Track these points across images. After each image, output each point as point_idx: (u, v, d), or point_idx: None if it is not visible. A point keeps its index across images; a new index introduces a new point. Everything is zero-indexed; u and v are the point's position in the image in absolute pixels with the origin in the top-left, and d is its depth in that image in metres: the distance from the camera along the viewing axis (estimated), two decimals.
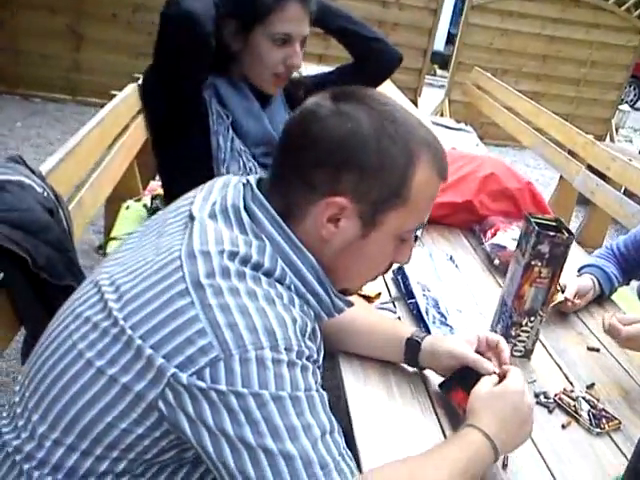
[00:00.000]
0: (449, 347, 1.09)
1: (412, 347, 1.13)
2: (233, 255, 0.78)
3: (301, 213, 0.83)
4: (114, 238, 2.00)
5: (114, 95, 2.27)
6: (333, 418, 0.77)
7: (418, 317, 1.35)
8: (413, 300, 1.40)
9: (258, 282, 0.78)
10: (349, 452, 0.77)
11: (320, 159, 0.81)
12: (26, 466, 0.81)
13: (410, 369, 1.17)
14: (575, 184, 3.19)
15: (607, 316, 1.30)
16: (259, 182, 0.89)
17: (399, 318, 1.35)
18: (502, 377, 0.99)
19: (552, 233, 1.23)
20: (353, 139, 0.80)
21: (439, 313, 1.37)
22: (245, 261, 0.78)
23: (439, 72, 9.24)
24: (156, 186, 2.34)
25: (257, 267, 0.79)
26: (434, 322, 1.33)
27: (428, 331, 1.28)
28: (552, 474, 1.00)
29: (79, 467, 0.80)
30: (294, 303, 0.80)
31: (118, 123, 2.16)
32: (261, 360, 0.72)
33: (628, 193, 2.95)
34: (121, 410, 0.77)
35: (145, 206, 2.19)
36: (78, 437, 0.79)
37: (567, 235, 1.24)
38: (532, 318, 1.28)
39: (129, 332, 0.76)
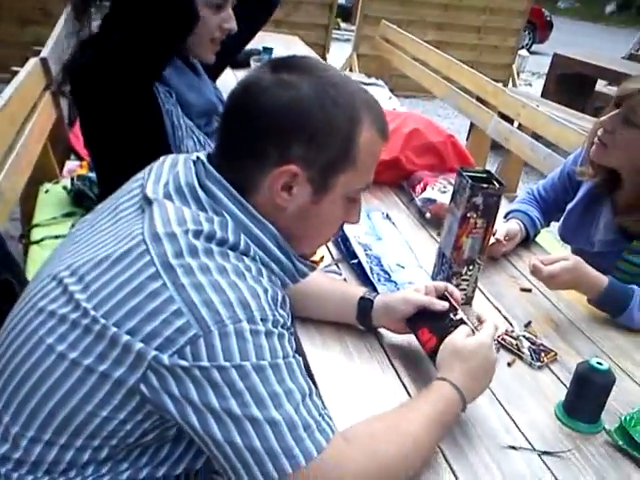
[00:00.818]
0: (402, 295, 1.16)
1: (364, 307, 1.19)
2: (198, 233, 0.79)
3: (255, 185, 0.85)
4: (37, 225, 1.93)
5: (16, 72, 2.15)
6: (310, 381, 0.81)
7: (363, 276, 1.40)
8: (356, 260, 1.45)
9: (226, 257, 0.80)
10: (327, 412, 0.82)
11: (267, 130, 0.83)
12: (2, 469, 0.80)
13: (363, 329, 1.23)
14: (489, 131, 3.33)
15: (533, 258, 1.40)
16: (209, 158, 0.90)
17: (345, 280, 1.40)
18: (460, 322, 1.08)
19: (484, 185, 1.30)
20: (297, 106, 0.82)
21: (383, 270, 1.43)
22: (210, 238, 0.80)
23: (343, 25, 9.23)
24: (75, 167, 2.25)
25: (222, 243, 0.81)
26: (379, 280, 1.39)
27: (375, 290, 1.34)
28: (504, 408, 1.10)
29: (60, 461, 0.80)
30: (262, 274, 0.83)
31: (25, 103, 2.06)
32: (240, 333, 0.75)
33: (536, 137, 3.11)
34: (101, 398, 0.78)
35: (65, 188, 2.11)
36: (56, 432, 0.79)
37: (498, 186, 1.32)
38: (471, 267, 1.37)
39: (102, 321, 0.77)
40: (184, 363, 0.74)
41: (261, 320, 0.76)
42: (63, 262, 0.85)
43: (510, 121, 3.24)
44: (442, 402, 0.94)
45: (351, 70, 5.47)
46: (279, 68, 0.85)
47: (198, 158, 0.89)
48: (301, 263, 0.91)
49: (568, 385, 1.15)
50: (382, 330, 1.23)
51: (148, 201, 0.85)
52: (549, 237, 2.25)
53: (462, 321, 1.09)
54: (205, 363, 0.74)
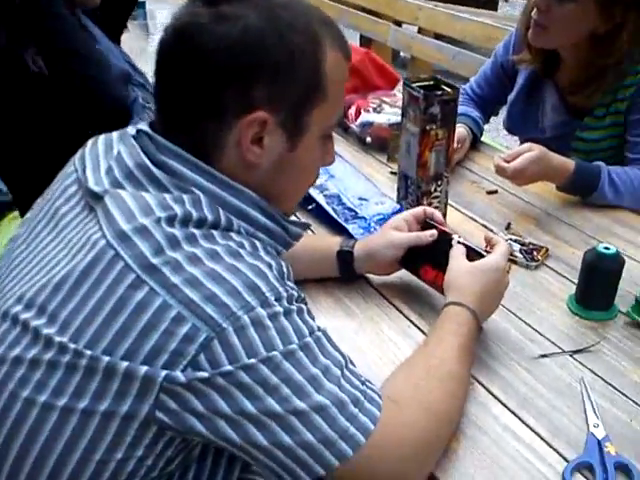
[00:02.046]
0: (385, 239, 1.08)
1: (344, 258, 1.10)
2: (171, 219, 0.67)
3: (218, 145, 0.73)
4: None
5: None
6: (341, 349, 0.73)
7: (327, 220, 1.31)
8: (313, 205, 1.36)
9: (212, 239, 0.68)
10: (365, 377, 0.74)
11: (219, 76, 0.71)
12: None
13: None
14: (389, 43, 3.25)
15: (495, 157, 1.35)
16: (152, 128, 0.76)
17: (312, 232, 1.30)
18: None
19: (439, 92, 1.23)
20: (250, 40, 0.70)
21: (347, 209, 1.34)
22: (186, 221, 0.68)
23: None
24: None
25: (201, 223, 0.69)
26: (346, 220, 1.31)
27: (346, 232, 1.26)
28: (519, 317, 1.06)
29: None
30: (257, 247, 0.72)
31: None
32: (257, 321, 0.65)
33: (439, 39, 3.06)
34: (110, 442, 0.66)
35: None
36: None
37: (452, 89, 1.24)
38: (439, 182, 1.30)
39: (87, 352, 0.64)
40: (203, 374, 0.63)
41: (276, 300, 0.67)
42: (9, 295, 0.71)
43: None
44: (464, 327, 0.89)
45: None
46: (214, 1, 0.71)
47: (139, 131, 0.76)
48: (291, 224, 0.80)
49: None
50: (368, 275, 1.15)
51: (95, 196, 0.71)
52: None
53: (459, 243, 1.03)
54: (228, 367, 0.63)
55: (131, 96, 1.37)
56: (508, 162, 1.31)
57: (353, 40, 5.09)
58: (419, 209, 1.11)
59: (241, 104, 0.71)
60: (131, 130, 0.77)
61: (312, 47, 0.73)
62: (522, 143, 1.71)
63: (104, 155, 0.76)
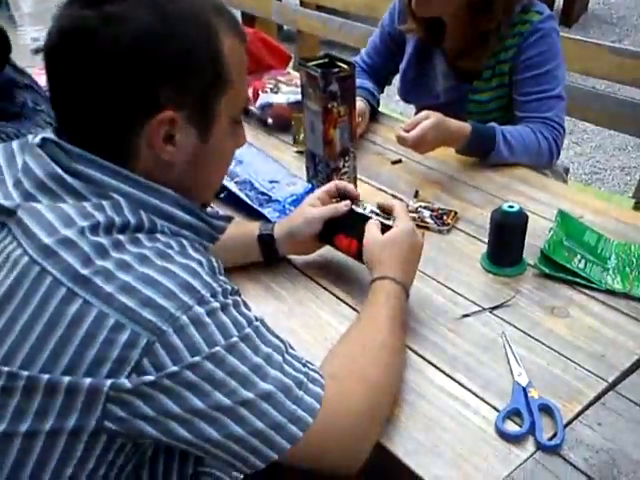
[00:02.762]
0: (302, 217, 1.11)
1: (266, 242, 1.12)
2: (94, 228, 0.66)
3: (130, 149, 0.72)
4: None
5: None
6: (279, 335, 0.75)
7: (241, 207, 1.31)
8: (225, 193, 1.35)
9: (139, 243, 0.68)
10: (305, 359, 0.77)
11: (119, 81, 0.69)
12: None
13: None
14: (273, 18, 3.24)
15: (396, 129, 1.40)
16: (58, 136, 0.74)
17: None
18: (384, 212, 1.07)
19: (335, 70, 1.25)
20: (144, 40, 0.68)
21: (260, 193, 1.35)
22: (109, 228, 0.67)
23: None
24: None
25: (125, 228, 0.68)
26: (261, 204, 1.32)
27: (263, 217, 1.27)
28: (439, 282, 1.12)
29: None
30: (184, 246, 0.72)
31: None
32: (196, 319, 0.65)
33: (323, 11, 3.08)
34: (58, 459, 0.65)
35: None
36: None
37: (348, 66, 1.26)
38: (346, 158, 1.33)
39: (23, 374, 0.62)
40: (148, 378, 0.63)
41: (212, 297, 0.68)
42: None
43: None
44: (392, 299, 0.93)
45: None
46: (93, 1, 0.69)
47: (45, 140, 0.73)
48: (214, 218, 0.81)
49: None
50: (290, 256, 1.18)
51: (6, 211, 0.68)
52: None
53: (372, 212, 1.07)
54: (172, 368, 0.64)
55: (18, 102, 1.29)
56: (408, 132, 1.36)
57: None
58: (331, 184, 1.14)
59: (146, 106, 0.70)
60: (34, 139, 0.74)
61: (207, 37, 0.72)
62: (418, 110, 1.77)
63: (7, 167, 0.73)
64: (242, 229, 1.16)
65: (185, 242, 0.73)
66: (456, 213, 1.29)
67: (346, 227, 1.08)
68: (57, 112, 0.75)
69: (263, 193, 1.34)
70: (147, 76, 0.69)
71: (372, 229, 1.02)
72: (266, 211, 1.29)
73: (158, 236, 0.70)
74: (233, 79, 0.75)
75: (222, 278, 0.72)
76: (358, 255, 1.05)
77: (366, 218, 1.06)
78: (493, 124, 1.46)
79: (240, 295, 0.74)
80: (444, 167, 1.48)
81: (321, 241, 1.12)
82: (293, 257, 1.17)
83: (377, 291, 0.94)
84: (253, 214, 1.28)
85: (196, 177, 0.78)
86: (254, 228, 1.13)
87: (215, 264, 0.73)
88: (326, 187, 1.14)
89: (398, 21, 1.66)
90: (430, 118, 1.37)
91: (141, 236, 0.69)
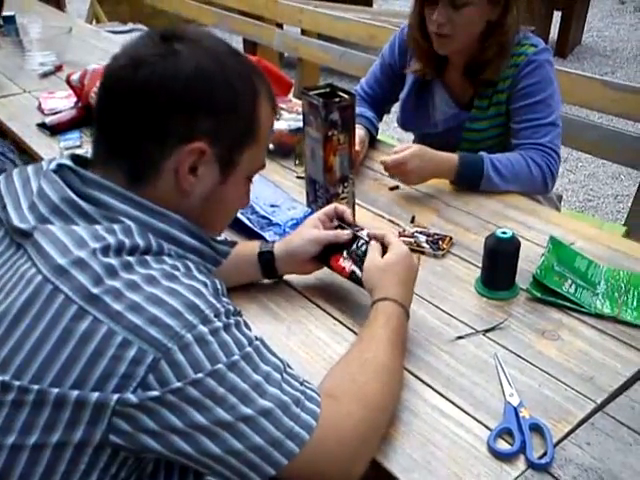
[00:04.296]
0: (305, 238, 1.14)
1: (266, 261, 1.16)
2: (106, 250, 0.69)
3: (156, 170, 0.77)
4: None
5: None
6: (278, 354, 0.78)
7: (243, 231, 1.35)
8: None
9: (147, 265, 0.71)
10: (303, 377, 0.79)
11: (169, 105, 0.75)
12: None
13: (267, 281, 1.20)
14: (275, 46, 3.30)
15: (382, 157, 1.47)
16: (78, 161, 0.78)
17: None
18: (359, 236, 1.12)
19: (337, 99, 1.29)
20: (201, 77, 0.75)
21: (260, 217, 1.38)
22: (120, 250, 0.71)
23: None
24: None
25: (134, 250, 0.72)
26: (262, 228, 1.35)
27: (264, 239, 1.30)
28: (434, 305, 1.15)
29: None
30: (190, 268, 0.76)
31: None
32: (200, 338, 0.68)
33: (324, 39, 3.15)
34: (64, 471, 0.67)
35: None
36: None
37: (348, 96, 1.31)
38: (345, 184, 1.37)
39: (34, 387, 0.65)
40: (154, 393, 0.66)
41: (215, 316, 0.71)
42: None
43: None
44: (393, 320, 0.96)
45: (98, 21, 5.05)
46: (169, 38, 0.77)
47: (61, 165, 0.77)
48: (219, 243, 0.85)
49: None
50: (287, 277, 1.21)
51: (22, 233, 0.72)
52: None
53: (370, 237, 1.11)
54: (177, 384, 0.66)
55: None
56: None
57: (237, 44, 5.11)
58: (330, 207, 1.19)
59: (184, 133, 0.76)
60: (50, 165, 0.78)
61: (251, 93, 0.80)
62: (416, 138, 1.83)
63: (22, 191, 0.77)
64: (243, 247, 1.19)
65: (191, 265, 0.77)
66: (451, 238, 1.32)
67: (343, 250, 1.13)
68: (98, 127, 0.79)
69: (264, 217, 1.38)
70: (194, 106, 0.76)
71: (373, 253, 1.06)
72: (267, 234, 1.32)
73: (165, 258, 0.74)
74: (260, 139, 0.82)
75: (225, 299, 0.75)
76: (352, 275, 1.10)
77: (363, 242, 1.11)
78: (481, 153, 1.51)
79: (241, 315, 0.77)
80: (440, 194, 1.52)
81: (315, 260, 1.16)
82: (291, 278, 1.21)
83: (378, 312, 0.97)
84: (254, 237, 1.32)
85: (204, 214, 0.82)
86: (255, 246, 1.17)
87: (219, 286, 0.77)
88: (326, 209, 1.19)
89: (399, 59, 1.72)
90: (412, 146, 1.45)
91: (149, 258, 0.72)
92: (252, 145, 0.81)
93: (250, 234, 1.33)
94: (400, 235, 1.33)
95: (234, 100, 0.78)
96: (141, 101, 0.75)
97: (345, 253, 1.12)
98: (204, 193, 0.80)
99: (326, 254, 1.14)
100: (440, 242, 1.31)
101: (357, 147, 1.57)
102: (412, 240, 1.31)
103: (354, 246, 1.12)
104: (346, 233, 1.13)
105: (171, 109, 0.74)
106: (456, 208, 1.47)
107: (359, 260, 1.09)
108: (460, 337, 1.06)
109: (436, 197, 1.51)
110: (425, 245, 1.30)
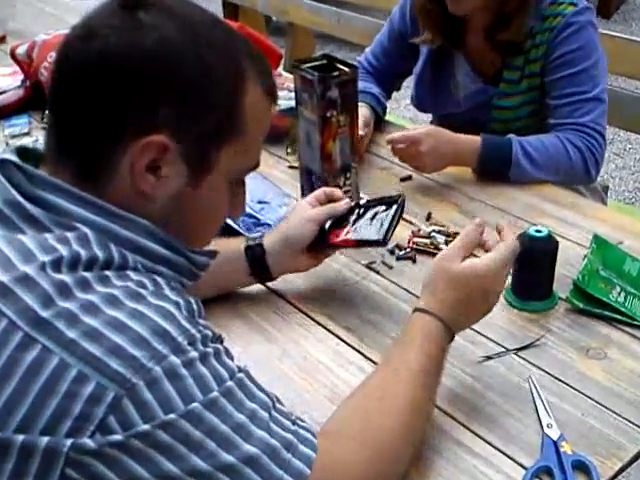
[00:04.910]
0: (298, 219, 1.17)
1: (255, 255, 1.17)
2: (57, 263, 0.69)
3: (109, 170, 0.75)
4: None
5: None
6: (266, 389, 0.77)
7: (227, 232, 1.34)
8: None
9: (108, 282, 0.71)
10: (295, 415, 0.79)
11: (124, 88, 0.73)
12: None
13: (261, 293, 1.20)
14: (260, 8, 3.31)
15: (388, 137, 1.50)
16: (27, 155, 0.78)
17: None
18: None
19: (335, 73, 1.30)
20: (164, 52, 0.73)
21: (246, 216, 1.39)
22: (75, 264, 0.70)
23: None
24: None
25: (92, 264, 0.71)
26: (249, 229, 1.36)
27: None
28: None
29: None
30: (160, 284, 0.75)
31: None
32: (171, 371, 0.68)
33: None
34: None
35: None
36: None
37: (350, 69, 1.31)
38: (347, 174, 1.38)
39: None
40: (115, 438, 0.65)
41: (189, 345, 0.70)
42: None
43: None
44: (432, 345, 0.93)
45: None
46: (132, 5, 0.75)
47: (3, 161, 0.76)
48: (196, 253, 0.84)
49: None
50: (279, 285, 1.22)
51: None
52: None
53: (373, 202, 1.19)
54: (143, 427, 0.66)
55: None
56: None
57: (215, 9, 5.11)
58: (319, 191, 1.22)
59: (142, 123, 0.74)
60: None
61: (233, 74, 0.77)
62: (435, 120, 1.84)
63: None
64: (224, 243, 1.17)
65: (160, 280, 0.76)
66: None
67: (340, 222, 1.18)
68: (52, 115, 0.79)
69: (250, 215, 1.38)
70: (154, 90, 0.74)
71: (454, 248, 0.99)
72: (255, 235, 1.32)
73: (129, 273, 0.73)
74: (244, 133, 0.79)
75: (202, 322, 0.75)
76: (359, 244, 1.15)
77: (369, 204, 1.19)
78: (509, 135, 1.51)
79: (222, 342, 0.77)
80: (461, 185, 1.53)
81: (313, 249, 1.17)
82: (285, 288, 1.22)
83: (414, 328, 0.94)
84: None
85: (176, 222, 0.81)
86: (239, 241, 1.18)
87: (195, 306, 0.76)
88: (315, 193, 1.22)
89: (411, 25, 1.72)
90: (425, 127, 1.49)
91: (110, 274, 0.71)
92: (234, 141, 0.79)
93: (235, 236, 1.33)
94: (414, 235, 1.33)
95: (207, 81, 0.75)
96: (91, 81, 0.73)
97: (345, 226, 1.17)
98: (171, 198, 0.78)
99: (323, 236, 1.17)
100: None
101: (361, 131, 1.57)
102: (428, 241, 1.31)
103: (354, 216, 1.17)
104: (344, 202, 1.18)
105: (126, 92, 0.73)
106: (481, 202, 1.47)
107: (367, 225, 1.15)
108: (487, 357, 1.07)
109: (457, 189, 1.52)
110: (444, 247, 1.29)
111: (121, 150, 0.74)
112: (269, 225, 1.36)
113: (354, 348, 1.10)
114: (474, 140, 1.49)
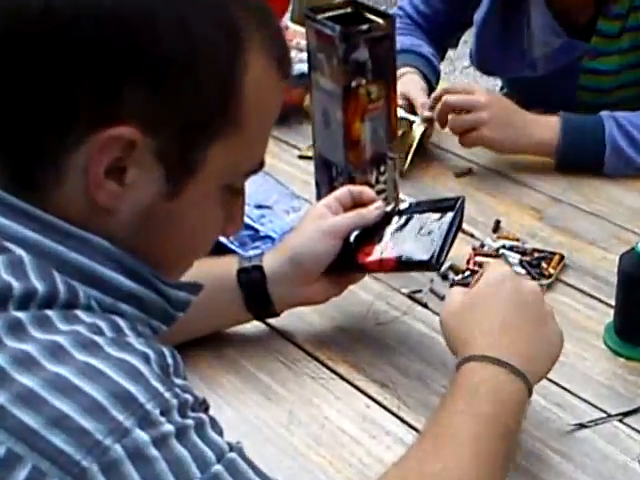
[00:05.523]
0: (313, 231, 1.17)
1: (251, 280, 1.17)
2: None
3: (53, 173, 0.75)
4: None
5: None
6: (265, 473, 0.76)
7: (217, 248, 1.34)
8: None
9: (49, 326, 0.70)
10: None
11: (74, 60, 0.72)
12: None
13: (260, 334, 1.20)
14: None
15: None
16: None
17: None
18: None
19: (364, 26, 1.29)
20: (129, 14, 0.73)
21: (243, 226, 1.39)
22: (4, 300, 0.70)
23: None
24: None
25: (28, 300, 0.71)
26: (243, 245, 1.35)
27: None
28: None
29: None
30: (121, 329, 0.75)
31: None
32: (137, 452, 0.67)
33: None
34: None
35: None
36: None
37: (384, 19, 1.31)
38: (382, 167, 1.37)
39: None
40: None
41: (162, 414, 0.69)
42: None
43: None
44: (483, 401, 0.93)
45: None
46: None
47: None
48: (173, 286, 0.84)
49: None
50: (285, 322, 1.21)
51: None
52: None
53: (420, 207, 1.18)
54: None
55: None
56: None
57: None
58: (342, 190, 1.21)
59: (101, 110, 0.73)
60: None
61: (226, 43, 0.76)
62: (504, 85, 1.84)
63: None
64: (209, 264, 1.17)
65: (123, 323, 0.75)
66: (562, 257, 1.31)
67: (373, 233, 1.17)
68: None
69: (247, 226, 1.37)
70: (115, 65, 0.72)
71: (452, 294, 1.05)
72: (251, 254, 1.32)
73: (80, 314, 0.73)
74: (243, 124, 0.78)
75: (180, 382, 0.74)
76: (399, 265, 1.13)
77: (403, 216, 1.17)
78: (603, 112, 1.51)
79: (208, 409, 0.76)
80: (540, 180, 1.52)
81: (333, 273, 1.17)
82: (292, 326, 1.21)
83: (458, 384, 0.95)
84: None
85: (152, 243, 0.81)
86: (230, 262, 1.18)
87: (170, 360, 0.76)
88: (337, 193, 1.21)
89: None
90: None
91: (53, 314, 0.71)
92: (229, 135, 0.78)
93: (224, 254, 1.33)
94: (476, 253, 1.33)
95: (191, 57, 0.74)
96: (28, 48, 0.73)
97: (372, 236, 1.16)
98: (139, 213, 0.78)
99: (348, 254, 1.16)
100: (544, 264, 1.30)
101: (425, 111, 1.57)
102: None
103: (392, 226, 1.16)
104: (375, 206, 1.17)
105: (75, 66, 0.72)
106: (570, 205, 1.46)
107: (410, 240, 1.13)
108: (581, 425, 1.05)
109: (535, 187, 1.51)
110: (519, 269, 1.29)
111: (71, 147, 0.74)
112: (271, 239, 1.36)
113: (390, 411, 1.08)
114: (550, 118, 1.50)
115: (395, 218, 1.18)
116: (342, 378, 1.14)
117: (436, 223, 1.14)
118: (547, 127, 1.49)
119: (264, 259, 1.17)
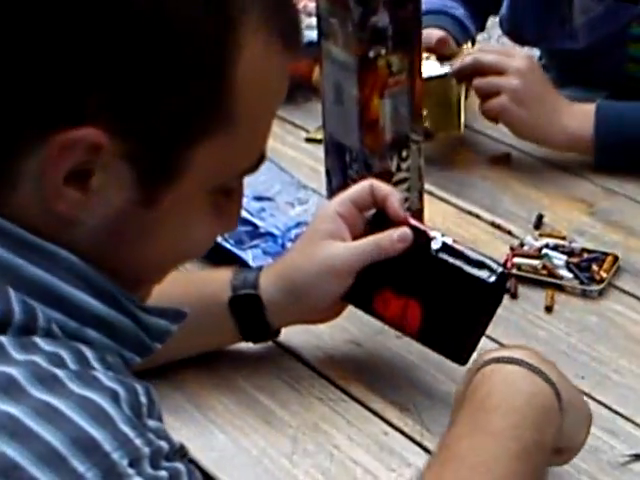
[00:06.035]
0: (319, 263, 1.16)
1: (246, 311, 1.17)
2: None
3: (6, 177, 0.76)
4: None
5: None
6: None
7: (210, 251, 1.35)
8: None
9: (1, 355, 0.71)
10: None
11: (22, 48, 0.73)
12: None
13: (259, 348, 1.21)
14: None
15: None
16: None
17: None
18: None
19: None
20: None
21: (239, 221, 1.39)
22: None
23: None
24: None
25: None
26: (240, 243, 1.36)
27: (241, 262, 1.32)
28: (584, 391, 1.13)
29: None
30: (87, 360, 0.75)
31: None
32: None
33: None
34: None
35: None
36: None
37: None
38: (403, 152, 1.37)
39: None
40: None
41: (130, 465, 0.69)
42: None
43: None
44: (513, 413, 0.94)
45: None
46: None
47: None
48: (150, 311, 0.84)
49: None
50: (289, 335, 1.22)
51: None
52: None
53: (451, 248, 1.12)
54: None
55: None
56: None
57: None
58: (362, 186, 1.20)
59: (60, 106, 0.73)
60: None
61: (217, 21, 0.75)
62: (545, 57, 1.85)
63: None
64: (195, 281, 1.20)
65: (89, 353, 0.76)
66: (616, 259, 1.32)
67: (396, 276, 1.14)
68: None
69: (245, 220, 1.38)
70: (78, 53, 0.72)
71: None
72: (249, 255, 1.33)
73: (37, 340, 0.73)
74: (238, 117, 0.78)
75: (153, 425, 0.75)
76: (422, 332, 1.10)
77: (444, 264, 1.12)
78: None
79: (185, 455, 0.76)
80: (589, 168, 1.53)
81: (346, 300, 1.17)
82: (298, 342, 1.22)
83: (479, 390, 0.96)
84: (227, 261, 1.32)
85: (125, 257, 0.82)
86: (221, 282, 1.18)
87: (143, 398, 0.76)
88: (353, 191, 1.20)
89: None
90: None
91: (5, 340, 0.72)
92: (219, 131, 0.78)
93: (221, 256, 1.33)
94: (514, 254, 1.33)
95: (171, 44, 0.74)
96: None
97: (403, 284, 1.13)
98: (107, 222, 0.78)
99: (364, 286, 1.15)
100: (595, 267, 1.30)
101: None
102: (539, 263, 1.30)
103: (421, 264, 1.13)
104: (398, 235, 1.13)
105: (27, 55, 0.73)
106: (626, 197, 1.47)
107: (441, 293, 1.10)
108: (637, 456, 1.05)
109: (585, 176, 1.52)
110: (565, 274, 1.29)
111: (24, 151, 0.75)
112: (273, 236, 1.37)
113: (412, 439, 1.09)
114: (585, 106, 1.52)
115: (425, 252, 1.13)
116: (355, 400, 1.15)
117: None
118: (579, 112, 1.51)
119: (261, 283, 1.17)
